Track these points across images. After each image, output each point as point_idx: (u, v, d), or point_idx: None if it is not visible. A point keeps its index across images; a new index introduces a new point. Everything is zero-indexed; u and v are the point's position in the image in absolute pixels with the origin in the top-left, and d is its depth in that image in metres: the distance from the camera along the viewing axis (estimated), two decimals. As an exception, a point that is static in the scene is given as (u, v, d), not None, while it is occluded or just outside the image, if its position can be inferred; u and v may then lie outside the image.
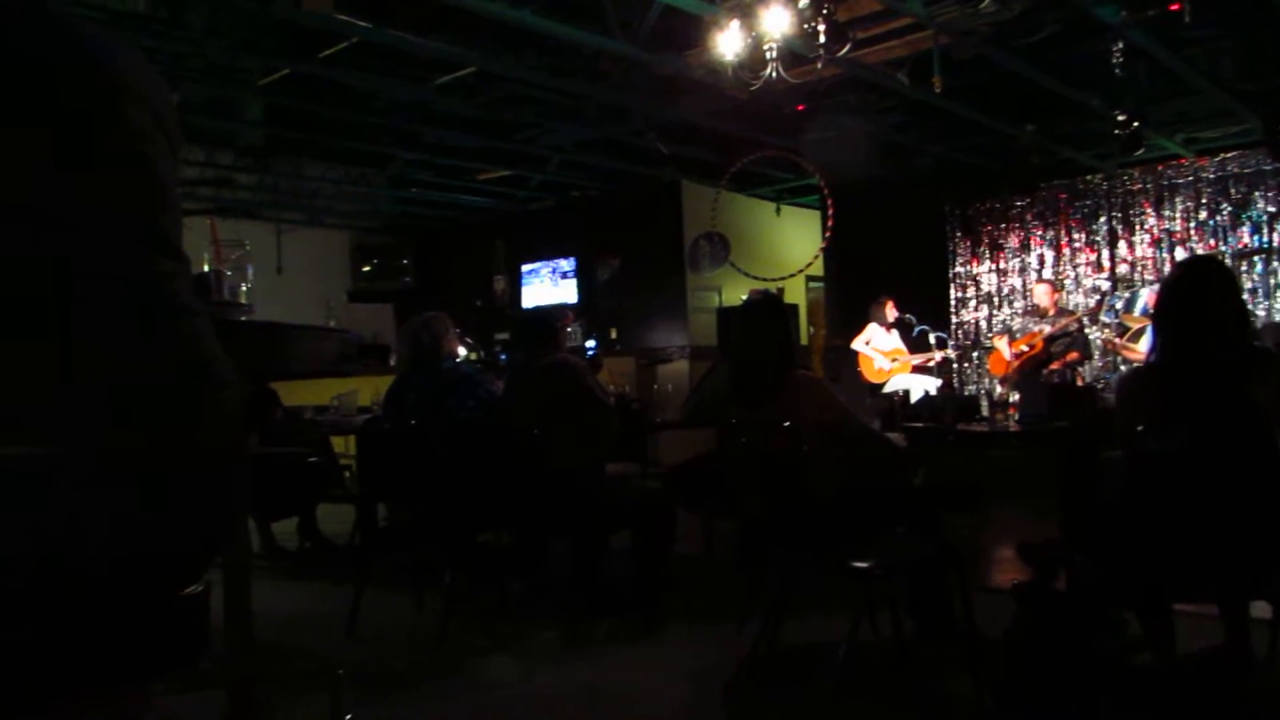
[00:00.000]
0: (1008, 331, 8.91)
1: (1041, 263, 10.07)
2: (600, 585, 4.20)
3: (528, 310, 11.11)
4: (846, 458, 3.41)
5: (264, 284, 8.73)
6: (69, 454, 0.98)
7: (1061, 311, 8.13)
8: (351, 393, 6.10)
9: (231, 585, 1.76)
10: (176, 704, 1.60)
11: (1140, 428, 2.66)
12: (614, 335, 10.83)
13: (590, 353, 8.51)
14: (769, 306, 3.74)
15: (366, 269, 12.52)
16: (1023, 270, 10.18)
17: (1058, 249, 10.02)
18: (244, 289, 2.17)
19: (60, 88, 1.10)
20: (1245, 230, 9.03)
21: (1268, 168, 8.87)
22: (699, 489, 4.57)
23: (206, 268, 2.11)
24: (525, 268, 11.84)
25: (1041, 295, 8.15)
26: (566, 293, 11.39)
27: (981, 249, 10.45)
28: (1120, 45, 6.17)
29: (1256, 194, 8.96)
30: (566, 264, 11.45)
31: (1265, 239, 8.88)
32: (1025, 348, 7.90)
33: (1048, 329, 7.82)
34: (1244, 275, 8.76)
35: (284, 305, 7.52)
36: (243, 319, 2.02)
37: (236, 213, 10.11)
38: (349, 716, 1.80)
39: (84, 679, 1.06)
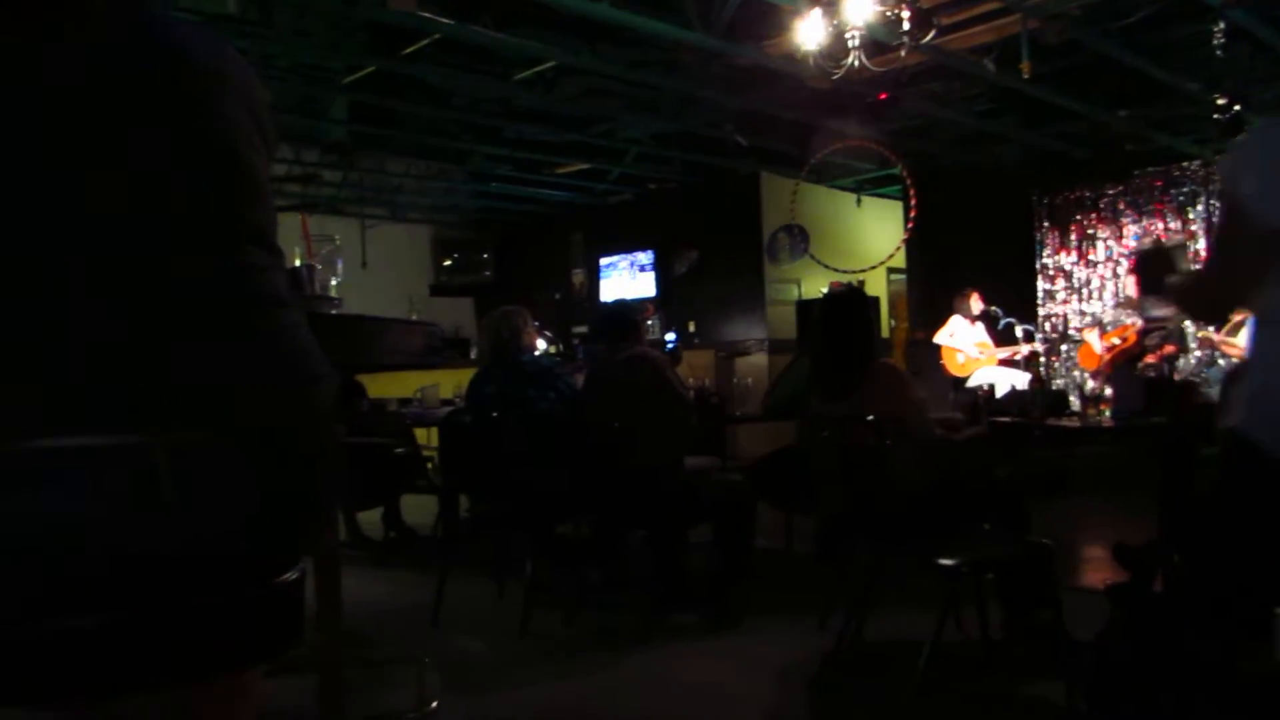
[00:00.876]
0: (1098, 324, 8.64)
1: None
2: (681, 578, 4.20)
3: (608, 304, 11.13)
4: (926, 452, 3.34)
5: (349, 279, 8.90)
6: (163, 442, 1.00)
7: (1155, 303, 7.85)
8: (434, 385, 6.19)
9: (322, 572, 1.80)
10: (272, 687, 1.65)
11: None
12: (692, 328, 10.80)
13: (670, 346, 8.50)
14: (851, 299, 3.70)
15: (447, 263, 12.68)
16: (1114, 260, 9.86)
17: (1152, 238, 9.68)
18: (334, 283, 2.22)
19: (159, 85, 1.13)
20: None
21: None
22: (779, 482, 4.53)
23: (298, 262, 2.16)
24: (603, 261, 11.88)
25: (1134, 286, 7.87)
26: (645, 286, 11.38)
27: (1070, 239, 10.15)
28: (1221, 25, 5.92)
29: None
30: (645, 257, 11.44)
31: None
32: (1117, 340, 7.65)
33: (1141, 322, 7.56)
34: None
35: (368, 299, 7.68)
36: (333, 312, 2.06)
37: (322, 209, 10.34)
38: (434, 703, 1.82)
39: (191, 664, 1.09)
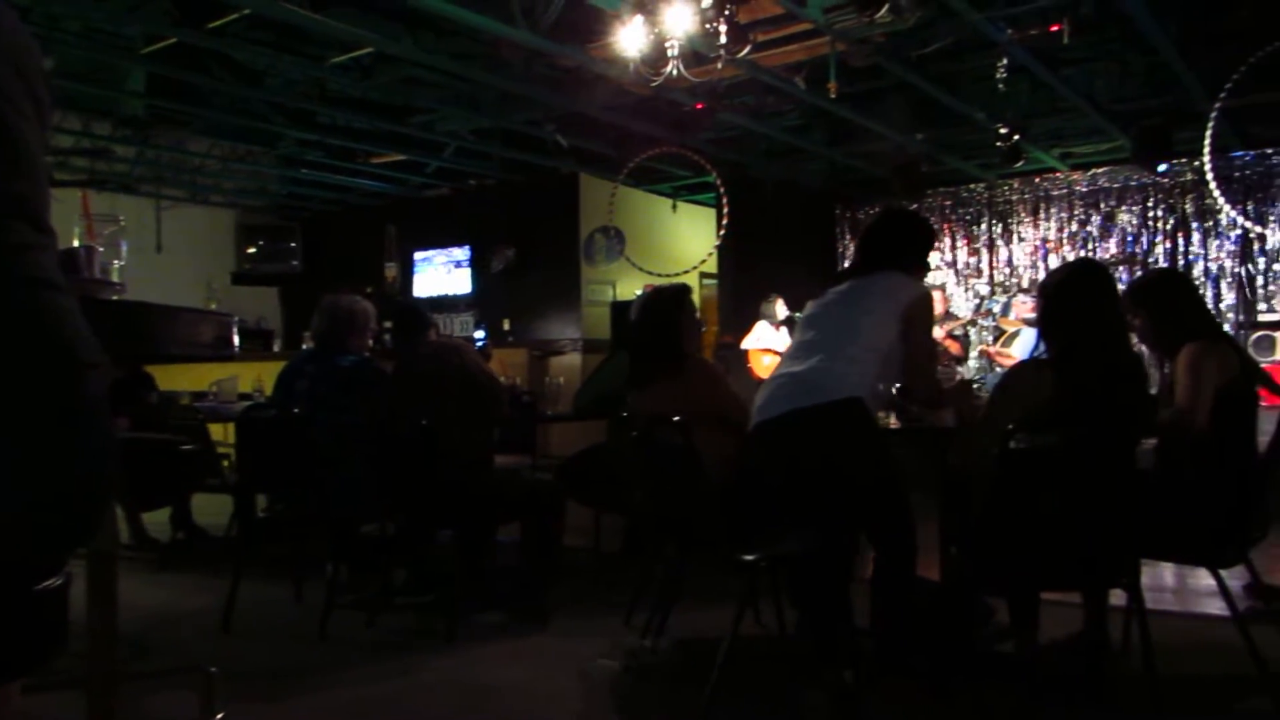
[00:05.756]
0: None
1: (927, 267, 10.42)
2: (488, 576, 4.17)
3: (401, 300, 10.98)
4: (736, 447, 3.43)
5: (142, 263, 8.34)
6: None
7: (949, 315, 8.41)
8: (231, 379, 5.90)
9: (95, 577, 1.68)
10: (33, 704, 1.52)
11: (1016, 424, 2.76)
12: (506, 326, 10.74)
13: (480, 343, 8.43)
14: (672, 293, 3.76)
15: (251, 250, 12.09)
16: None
17: (942, 255, 10.37)
18: (116, 266, 2.07)
19: None
20: (1113, 241, 9.61)
21: (1134, 183, 9.46)
22: (588, 481, 4.57)
23: (76, 243, 2.00)
24: (418, 255, 11.64)
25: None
26: (460, 282, 11.23)
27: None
28: (1005, 62, 6.42)
29: (1122, 207, 9.58)
30: (460, 253, 11.30)
31: (1133, 248, 9.47)
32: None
33: (938, 332, 8.07)
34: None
35: (163, 286, 7.22)
36: (114, 298, 1.91)
37: (113, 186, 9.65)
38: (220, 715, 1.73)
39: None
